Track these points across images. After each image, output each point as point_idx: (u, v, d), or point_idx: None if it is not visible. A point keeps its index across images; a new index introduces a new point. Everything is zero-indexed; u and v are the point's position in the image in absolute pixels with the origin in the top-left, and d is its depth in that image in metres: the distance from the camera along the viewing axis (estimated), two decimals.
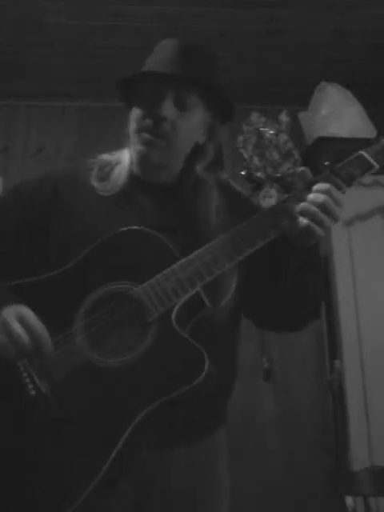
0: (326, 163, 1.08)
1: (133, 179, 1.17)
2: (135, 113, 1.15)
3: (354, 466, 2.25)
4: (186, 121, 1.13)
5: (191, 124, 1.14)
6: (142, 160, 1.16)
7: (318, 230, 1.03)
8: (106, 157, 1.22)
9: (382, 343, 2.46)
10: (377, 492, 1.84)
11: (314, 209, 1.02)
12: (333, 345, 2.63)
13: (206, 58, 1.17)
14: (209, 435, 1.11)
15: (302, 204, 1.04)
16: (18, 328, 0.94)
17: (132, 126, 1.16)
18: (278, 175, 2.63)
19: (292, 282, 1.11)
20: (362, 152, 1.10)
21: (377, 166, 1.09)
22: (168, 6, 2.29)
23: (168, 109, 1.10)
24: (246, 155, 2.68)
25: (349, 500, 1.81)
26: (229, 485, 1.14)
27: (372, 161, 1.08)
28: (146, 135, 1.12)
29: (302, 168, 1.09)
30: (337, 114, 2.74)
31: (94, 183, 1.16)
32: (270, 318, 1.21)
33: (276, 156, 2.64)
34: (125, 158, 1.19)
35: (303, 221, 1.02)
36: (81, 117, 3.04)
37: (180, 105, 1.12)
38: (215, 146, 1.21)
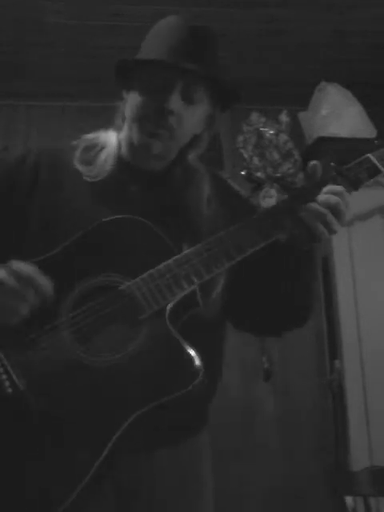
0: (332, 164, 1.05)
1: (121, 165, 1.11)
2: (136, 99, 1.08)
3: (354, 466, 2.25)
4: (191, 114, 1.08)
5: (195, 117, 1.10)
6: (141, 149, 1.10)
7: (325, 233, 0.99)
8: (90, 137, 1.16)
9: (382, 343, 2.46)
10: (377, 492, 1.84)
11: (324, 210, 0.98)
12: (333, 345, 2.63)
13: (213, 44, 1.12)
14: (192, 437, 1.07)
15: (313, 204, 0.99)
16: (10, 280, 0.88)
17: (131, 112, 1.09)
18: (278, 175, 2.63)
19: (287, 284, 1.07)
20: (369, 155, 1.06)
21: None
22: (168, 6, 2.29)
23: (176, 102, 1.04)
24: (245, 155, 2.68)
25: (349, 500, 1.81)
26: (212, 486, 1.11)
27: (379, 165, 1.05)
28: (149, 125, 1.06)
29: (314, 162, 1.04)
30: (337, 114, 2.74)
31: (78, 167, 1.10)
32: (256, 319, 1.15)
33: (276, 156, 2.64)
34: (111, 142, 1.14)
35: (309, 221, 0.99)
36: (81, 117, 3.03)
37: (187, 98, 1.06)
38: (210, 134, 1.16)
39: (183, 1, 2.29)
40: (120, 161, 1.12)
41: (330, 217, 0.99)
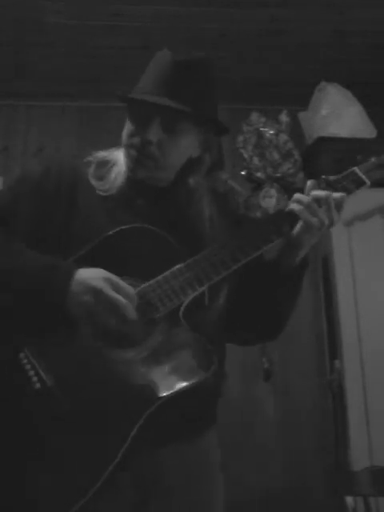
0: (323, 177, 1.14)
1: (130, 180, 1.17)
2: (128, 127, 1.15)
3: (354, 466, 2.25)
4: (174, 143, 1.12)
5: (181, 145, 1.14)
6: (129, 173, 1.16)
7: (314, 222, 1.07)
8: (102, 154, 1.22)
9: (382, 343, 2.46)
10: (377, 492, 1.84)
11: (307, 198, 1.09)
12: (333, 345, 2.63)
13: (200, 78, 1.13)
14: (199, 435, 1.11)
15: (298, 194, 1.10)
16: (117, 297, 0.97)
17: (123, 136, 1.17)
18: (278, 175, 2.63)
19: (283, 291, 1.15)
20: (355, 169, 1.17)
21: (368, 182, 1.16)
22: (168, 6, 2.29)
23: (154, 133, 1.10)
24: (246, 155, 2.68)
25: (349, 500, 1.81)
26: (220, 485, 1.14)
27: (364, 177, 1.15)
28: (133, 152, 1.13)
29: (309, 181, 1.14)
30: (337, 114, 2.74)
31: (93, 182, 1.16)
32: (236, 328, 1.22)
33: (276, 156, 2.64)
34: (121, 159, 1.19)
35: (301, 214, 1.08)
36: (81, 117, 3.04)
37: (168, 130, 1.11)
38: (212, 155, 1.21)
39: (183, 1, 2.29)
40: (128, 177, 1.18)
41: (313, 204, 1.08)
